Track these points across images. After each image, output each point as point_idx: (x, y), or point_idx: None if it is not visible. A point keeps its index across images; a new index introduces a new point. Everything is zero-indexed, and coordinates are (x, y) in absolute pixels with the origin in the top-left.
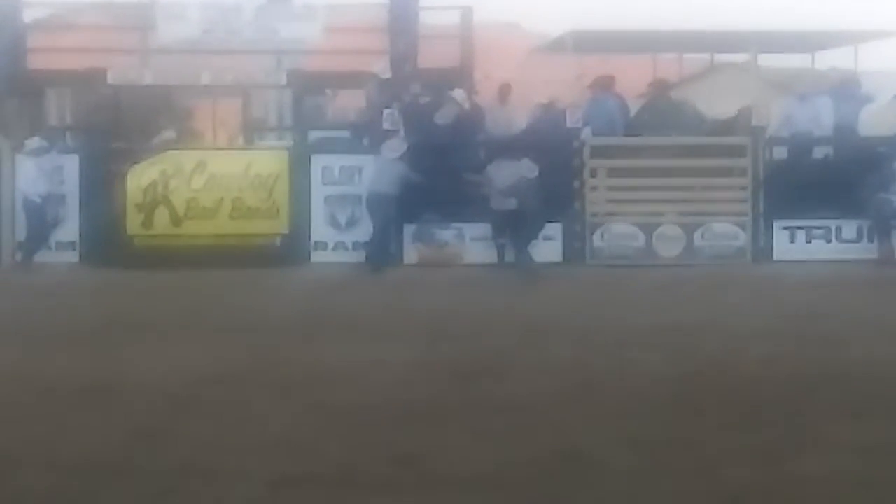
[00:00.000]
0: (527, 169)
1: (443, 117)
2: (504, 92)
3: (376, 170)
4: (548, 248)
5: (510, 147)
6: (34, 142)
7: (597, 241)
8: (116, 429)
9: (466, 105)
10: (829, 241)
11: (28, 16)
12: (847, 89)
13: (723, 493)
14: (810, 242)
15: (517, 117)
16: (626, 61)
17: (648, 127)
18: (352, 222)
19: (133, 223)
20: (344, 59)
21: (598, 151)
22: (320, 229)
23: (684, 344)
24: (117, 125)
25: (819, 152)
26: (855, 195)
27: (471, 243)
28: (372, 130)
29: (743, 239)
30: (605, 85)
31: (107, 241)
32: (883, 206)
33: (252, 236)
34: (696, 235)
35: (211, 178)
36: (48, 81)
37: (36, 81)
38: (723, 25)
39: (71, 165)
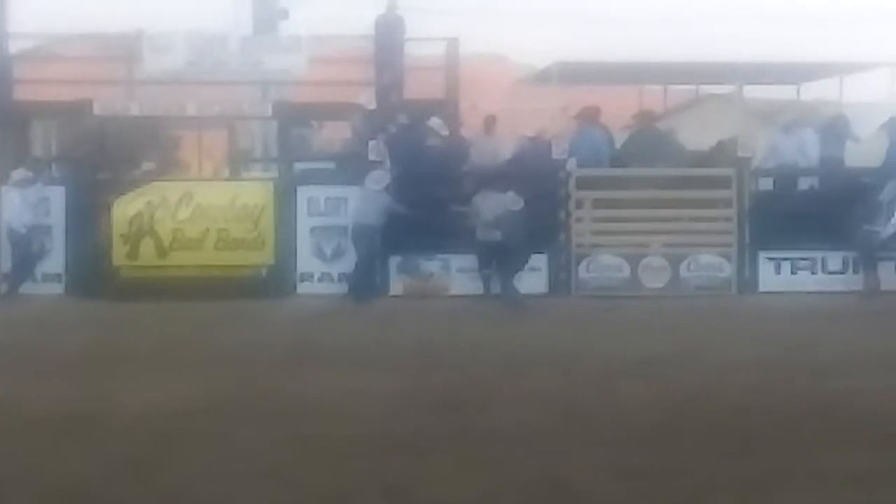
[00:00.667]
0: (512, 201)
1: (427, 148)
2: (489, 123)
3: (360, 201)
4: (533, 279)
5: (496, 178)
6: (20, 173)
7: (582, 272)
8: (102, 459)
9: (444, 133)
10: (814, 273)
11: (14, 47)
12: (833, 122)
13: None
14: (795, 274)
15: (503, 149)
16: (611, 92)
17: (634, 158)
18: (337, 254)
19: (118, 254)
20: (329, 90)
21: (584, 183)
22: (306, 260)
23: (670, 375)
24: (103, 156)
25: (804, 183)
26: (840, 226)
27: (456, 274)
28: (357, 162)
29: (728, 270)
30: (590, 116)
31: (92, 273)
32: (868, 238)
33: (238, 267)
34: (682, 266)
35: (197, 209)
36: (34, 112)
37: (22, 112)
38: (708, 57)
39: (56, 197)
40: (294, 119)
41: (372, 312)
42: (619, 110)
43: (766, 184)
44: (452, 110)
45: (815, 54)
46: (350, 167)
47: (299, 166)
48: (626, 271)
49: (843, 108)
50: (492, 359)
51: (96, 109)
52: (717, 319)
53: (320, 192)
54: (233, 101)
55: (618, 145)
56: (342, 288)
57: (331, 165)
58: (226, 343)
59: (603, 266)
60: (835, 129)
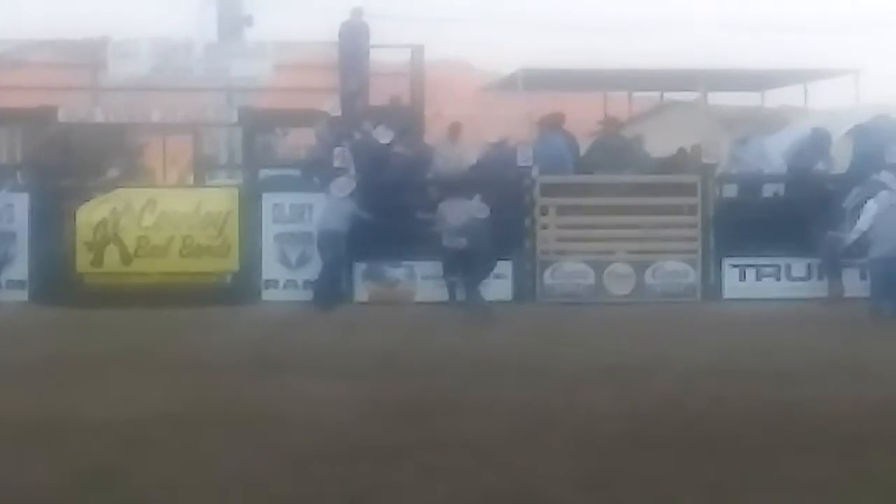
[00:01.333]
0: (478, 208)
1: (392, 155)
2: (454, 130)
3: (325, 208)
4: (498, 286)
5: (461, 185)
6: None
7: (547, 279)
8: (64, 467)
9: (386, 140)
10: (778, 280)
11: None
12: (814, 133)
13: None
14: (760, 280)
15: (468, 155)
16: (576, 99)
17: (599, 165)
18: (303, 260)
19: (83, 261)
20: (295, 97)
21: (549, 189)
22: (271, 267)
23: (635, 381)
24: (67, 163)
25: (769, 190)
26: (804, 233)
27: (422, 281)
28: (322, 169)
29: (693, 277)
30: (554, 122)
31: (56, 280)
32: (833, 245)
33: (202, 274)
34: (647, 273)
35: (161, 216)
36: None
37: None
38: (673, 64)
39: (20, 203)
40: (259, 126)
41: (336, 319)
42: (583, 117)
43: (731, 190)
44: (417, 117)
45: (780, 62)
46: (315, 174)
47: (264, 173)
48: (591, 278)
49: (808, 114)
50: (457, 366)
51: (61, 116)
52: (682, 326)
53: (285, 199)
54: (198, 107)
55: (582, 152)
56: (307, 295)
57: (296, 172)
58: (190, 350)
59: (568, 273)
60: (815, 141)
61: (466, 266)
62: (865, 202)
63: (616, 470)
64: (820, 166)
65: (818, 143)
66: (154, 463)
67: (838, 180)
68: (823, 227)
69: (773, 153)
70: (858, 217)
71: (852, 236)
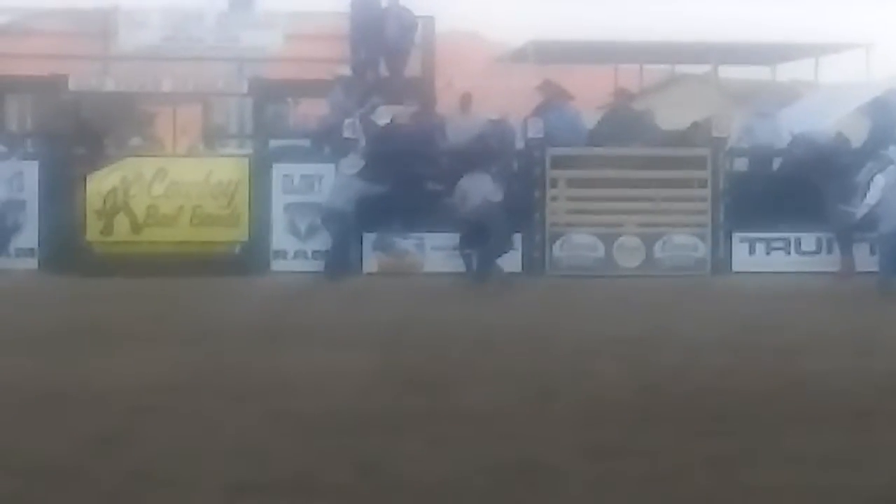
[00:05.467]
0: (495, 180)
1: (402, 126)
2: (465, 101)
3: (334, 186)
4: (507, 258)
5: (477, 158)
6: None
7: (556, 251)
8: (73, 435)
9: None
10: (788, 253)
11: None
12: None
13: (682, 502)
14: (769, 254)
15: (478, 127)
16: (587, 72)
17: (609, 138)
18: (312, 231)
19: (92, 230)
20: (306, 67)
21: (559, 162)
22: (280, 238)
23: (643, 355)
24: (78, 132)
25: (779, 164)
26: (815, 207)
27: (431, 252)
28: (333, 139)
29: (702, 250)
30: (563, 95)
31: (66, 248)
32: (844, 219)
33: (212, 244)
34: (656, 246)
35: (171, 186)
36: (9, 87)
37: None
38: (684, 37)
39: (31, 172)
40: (270, 96)
41: (345, 290)
42: (594, 89)
43: (741, 164)
44: (428, 88)
45: (792, 35)
46: (325, 145)
47: (274, 143)
48: (601, 251)
49: (819, 88)
50: (465, 338)
51: (71, 85)
52: (691, 300)
53: (295, 170)
54: (208, 77)
55: (593, 125)
56: (316, 265)
57: (306, 143)
58: (199, 320)
59: (577, 245)
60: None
61: (485, 238)
62: (875, 177)
63: (624, 442)
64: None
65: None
66: (162, 431)
67: (852, 154)
68: (835, 201)
69: (785, 127)
70: (869, 191)
71: (861, 210)
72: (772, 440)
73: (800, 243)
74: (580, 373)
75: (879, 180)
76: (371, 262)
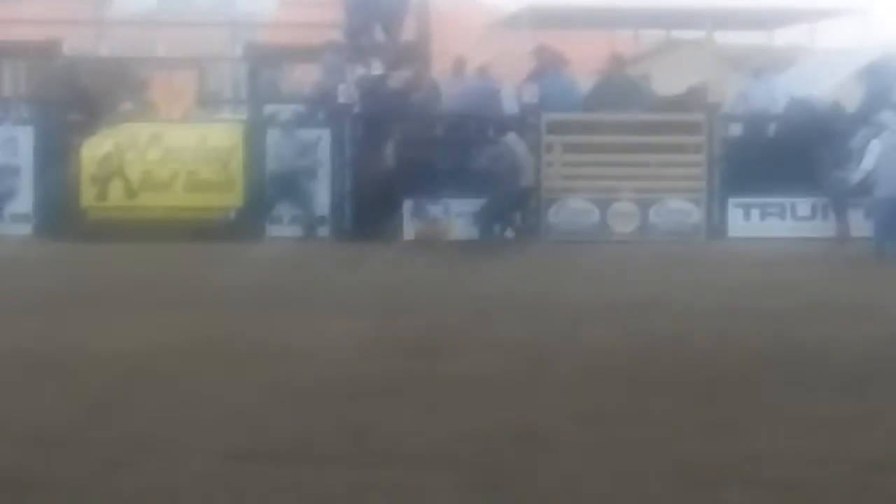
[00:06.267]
0: (515, 143)
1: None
2: (458, 66)
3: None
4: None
5: (461, 124)
6: None
7: (552, 216)
8: (69, 401)
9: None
10: (783, 219)
11: None
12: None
13: (677, 468)
14: (765, 220)
15: (475, 92)
16: (582, 37)
17: (604, 103)
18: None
19: (87, 195)
20: (300, 32)
21: (554, 127)
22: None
23: (638, 320)
24: (72, 97)
25: (774, 130)
26: (810, 173)
27: (455, 219)
28: (327, 105)
29: (697, 216)
30: (556, 61)
31: (61, 214)
32: (839, 184)
33: (207, 209)
34: (651, 212)
35: (166, 151)
36: (2, 52)
37: None
38: (679, 2)
39: (25, 137)
40: (264, 61)
41: (339, 256)
42: (589, 55)
43: (736, 129)
44: (423, 53)
45: (787, 0)
46: (320, 110)
47: (269, 108)
48: (596, 216)
49: (815, 53)
50: (459, 303)
51: (66, 50)
52: (686, 265)
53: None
54: (203, 42)
55: (588, 90)
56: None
57: (300, 108)
58: (194, 285)
59: (572, 211)
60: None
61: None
62: (870, 142)
63: (619, 408)
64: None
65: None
66: (157, 397)
67: (847, 120)
68: (829, 166)
69: (781, 93)
70: (864, 157)
71: (857, 176)
72: (767, 405)
73: (795, 208)
74: (576, 338)
75: (875, 146)
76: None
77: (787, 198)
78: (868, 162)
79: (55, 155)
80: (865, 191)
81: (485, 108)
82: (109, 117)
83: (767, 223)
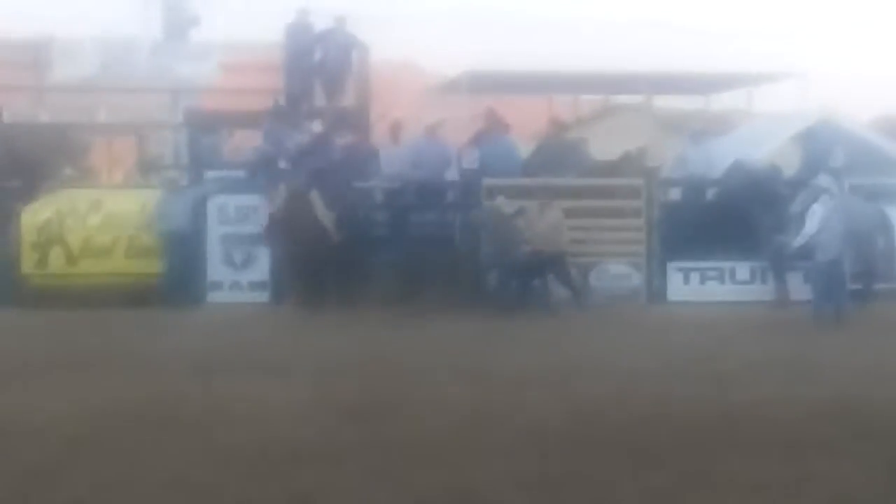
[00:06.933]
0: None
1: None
2: (395, 130)
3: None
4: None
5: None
6: None
7: (492, 281)
8: (9, 468)
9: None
10: (723, 283)
11: None
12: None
13: None
14: (704, 284)
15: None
16: (521, 102)
17: (543, 167)
18: (248, 262)
19: (28, 262)
20: (240, 98)
21: (493, 191)
22: (216, 269)
23: (578, 383)
24: (12, 163)
25: (713, 194)
26: (749, 237)
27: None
28: (267, 170)
29: (638, 279)
30: (499, 125)
31: (2, 280)
32: (779, 248)
33: (148, 275)
34: (592, 276)
35: (107, 217)
36: None
37: None
38: (618, 67)
39: None
40: (205, 126)
41: (278, 320)
42: (528, 120)
43: (675, 194)
44: (363, 118)
45: (725, 65)
46: (260, 175)
47: (210, 174)
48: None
49: (752, 117)
50: (395, 369)
51: (5, 116)
52: (626, 329)
53: (230, 200)
54: (143, 108)
55: (527, 155)
56: (251, 297)
57: (241, 173)
58: (136, 351)
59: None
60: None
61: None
62: (811, 206)
63: (557, 471)
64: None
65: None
66: (98, 463)
67: (785, 184)
68: (769, 230)
69: (719, 157)
70: (804, 221)
71: (800, 240)
72: (706, 469)
73: (734, 272)
74: (516, 402)
75: (816, 210)
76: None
77: (727, 262)
78: (810, 226)
79: None
80: (806, 255)
81: (433, 171)
82: (49, 183)
83: (707, 287)
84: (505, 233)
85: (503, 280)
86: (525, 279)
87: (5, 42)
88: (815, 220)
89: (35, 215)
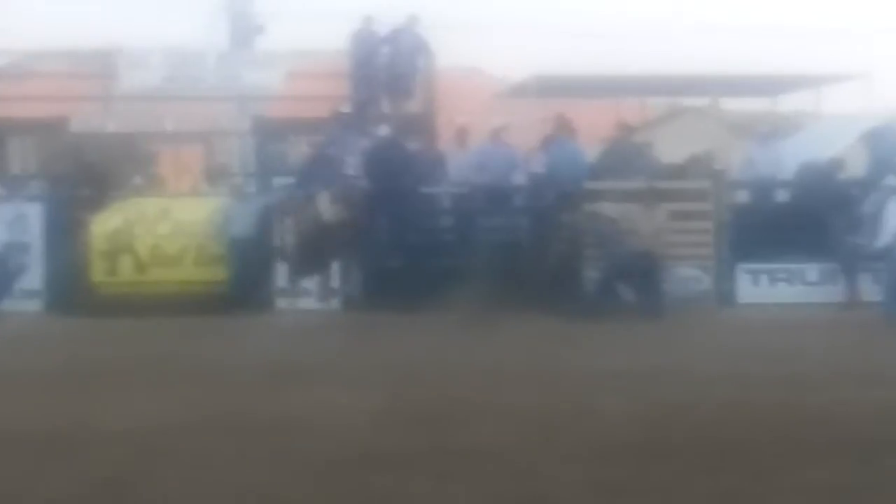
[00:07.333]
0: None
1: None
2: (462, 135)
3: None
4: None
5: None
6: None
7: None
8: (82, 478)
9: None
10: (792, 284)
11: None
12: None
13: None
14: (774, 286)
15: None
16: (588, 106)
17: (610, 171)
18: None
19: (97, 271)
20: (307, 105)
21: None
22: (282, 275)
23: (648, 388)
24: (80, 173)
25: (782, 195)
26: (818, 238)
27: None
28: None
29: (706, 282)
30: (566, 129)
31: (71, 289)
32: (852, 250)
33: (217, 283)
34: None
35: (175, 225)
36: (11, 129)
37: None
38: (685, 70)
39: (34, 213)
40: (272, 134)
41: (355, 326)
42: (595, 123)
43: (743, 196)
44: (429, 124)
45: (793, 66)
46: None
47: (277, 181)
48: None
49: (820, 118)
50: (467, 372)
51: (73, 126)
52: (696, 332)
53: None
54: (210, 116)
55: (595, 159)
56: (311, 303)
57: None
58: (205, 359)
59: (580, 280)
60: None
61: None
62: (884, 207)
63: (631, 477)
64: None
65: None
66: (171, 472)
67: (853, 184)
68: (840, 232)
69: (787, 158)
70: (877, 222)
71: (879, 242)
72: (780, 473)
73: (804, 274)
74: (586, 408)
75: (892, 210)
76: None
77: (796, 263)
78: (892, 226)
79: (65, 231)
80: (880, 256)
81: (500, 175)
82: (118, 192)
83: (777, 289)
84: (607, 236)
85: (599, 283)
86: (623, 282)
87: (73, 52)
88: (894, 221)
89: (104, 224)
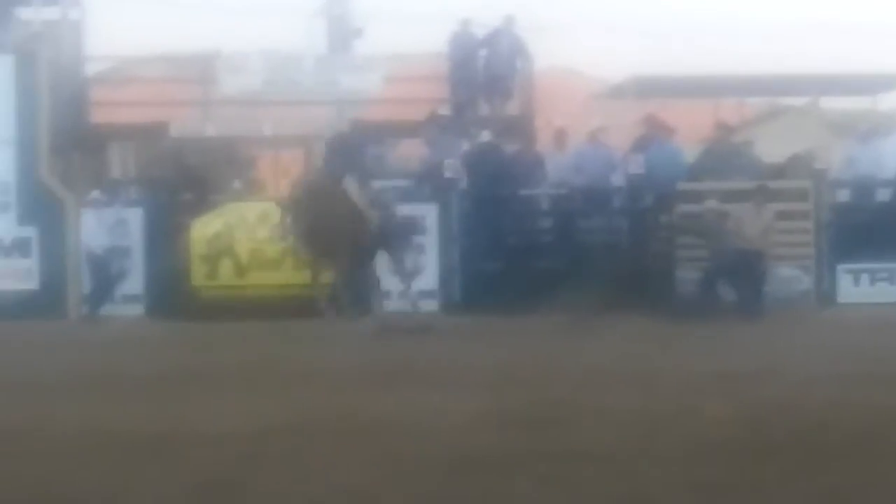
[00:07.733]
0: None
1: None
2: (560, 137)
3: None
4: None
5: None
6: (98, 195)
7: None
8: (184, 481)
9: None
10: (893, 284)
11: (90, 69)
12: None
13: None
14: (874, 285)
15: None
16: (687, 106)
17: (710, 172)
18: (417, 270)
19: (198, 274)
20: (405, 108)
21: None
22: (385, 278)
23: (751, 389)
24: (180, 177)
25: (883, 194)
26: None
27: None
28: (433, 179)
29: (807, 282)
30: (662, 130)
31: (172, 293)
32: None
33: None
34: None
35: (275, 229)
36: (111, 135)
37: (99, 135)
38: (784, 69)
39: (135, 218)
40: (370, 137)
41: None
42: (694, 124)
43: (844, 195)
44: (528, 126)
45: (893, 65)
46: (426, 185)
47: (376, 184)
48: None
49: None
50: (568, 373)
51: (173, 131)
52: (797, 332)
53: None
54: (308, 120)
55: (694, 159)
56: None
57: (407, 183)
58: (306, 362)
59: (677, 279)
60: None
61: None
62: None
63: (733, 478)
64: None
65: None
66: (272, 475)
67: None
68: None
69: (888, 157)
70: None
71: None
72: (882, 473)
73: None
74: (686, 409)
75: None
76: None
77: None
78: None
79: (165, 235)
80: None
81: (598, 176)
82: (218, 196)
83: (878, 288)
84: (714, 234)
85: (701, 282)
86: (726, 282)
87: (172, 57)
88: None
89: (204, 228)
